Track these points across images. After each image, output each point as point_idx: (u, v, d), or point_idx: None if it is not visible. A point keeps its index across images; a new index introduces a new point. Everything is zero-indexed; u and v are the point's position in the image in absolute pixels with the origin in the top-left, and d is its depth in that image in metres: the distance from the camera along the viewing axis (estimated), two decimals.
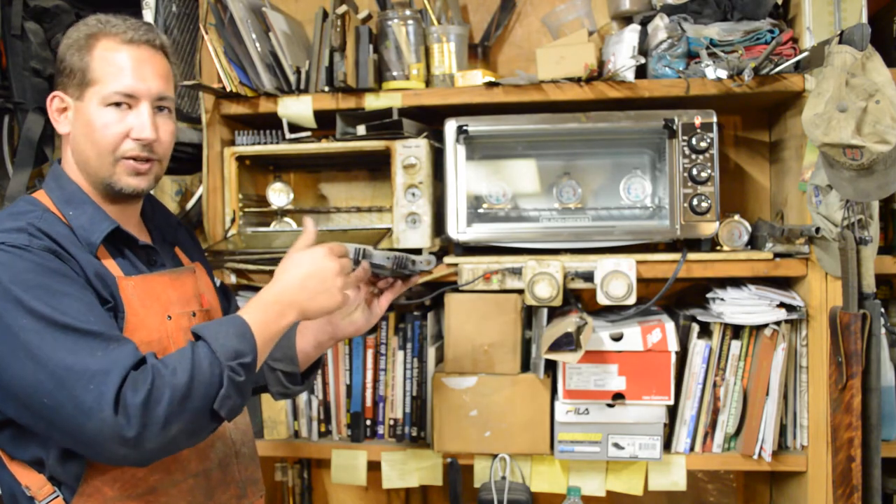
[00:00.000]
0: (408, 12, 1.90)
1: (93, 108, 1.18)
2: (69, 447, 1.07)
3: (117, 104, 1.18)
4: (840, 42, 1.50)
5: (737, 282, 1.80)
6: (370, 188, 2.04)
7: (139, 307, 1.17)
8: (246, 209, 1.93)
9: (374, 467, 1.88)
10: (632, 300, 1.70)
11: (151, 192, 1.36)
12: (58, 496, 1.10)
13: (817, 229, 1.61)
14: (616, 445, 1.75)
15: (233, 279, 1.87)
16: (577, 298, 1.89)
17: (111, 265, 1.19)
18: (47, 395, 1.00)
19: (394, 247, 1.79)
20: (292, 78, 1.85)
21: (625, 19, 1.90)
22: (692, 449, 1.79)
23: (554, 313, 1.82)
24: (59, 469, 1.11)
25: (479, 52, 2.07)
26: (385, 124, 1.80)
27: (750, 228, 1.78)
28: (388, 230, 1.80)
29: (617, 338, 1.72)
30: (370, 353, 1.88)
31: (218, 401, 1.05)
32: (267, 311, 1.14)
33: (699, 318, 1.78)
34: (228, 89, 1.82)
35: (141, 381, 1.00)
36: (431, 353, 1.86)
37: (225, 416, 1.07)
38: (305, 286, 1.17)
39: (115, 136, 1.18)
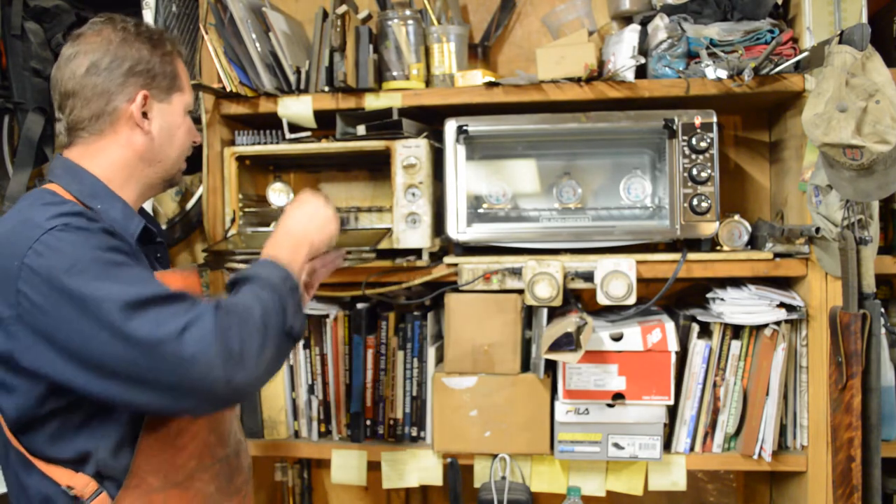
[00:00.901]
0: (408, 12, 1.90)
1: (181, 112, 1.30)
2: (166, 409, 1.08)
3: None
4: (840, 42, 1.50)
5: (737, 282, 1.80)
6: (370, 188, 2.04)
7: None
8: (246, 209, 1.93)
9: (373, 467, 1.88)
10: (632, 300, 1.70)
11: None
12: (102, 492, 1.12)
13: (817, 229, 1.61)
14: (616, 445, 1.75)
15: None
16: (578, 298, 1.89)
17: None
18: (144, 367, 1.02)
19: (394, 247, 1.79)
20: (292, 78, 1.85)
21: (625, 19, 1.90)
22: (692, 449, 1.79)
23: (554, 313, 1.82)
24: (111, 461, 1.12)
25: (479, 52, 2.07)
26: (385, 124, 1.80)
27: (750, 228, 1.78)
28: (388, 230, 1.80)
29: (617, 338, 1.72)
30: (370, 353, 1.88)
31: (289, 320, 1.14)
32: (286, 247, 1.26)
33: (699, 318, 1.78)
34: (228, 89, 1.82)
35: (227, 322, 1.05)
36: (431, 353, 1.86)
37: (297, 332, 1.17)
38: (312, 221, 1.33)
39: (191, 140, 1.34)
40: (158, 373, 1.02)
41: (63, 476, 1.11)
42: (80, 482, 1.11)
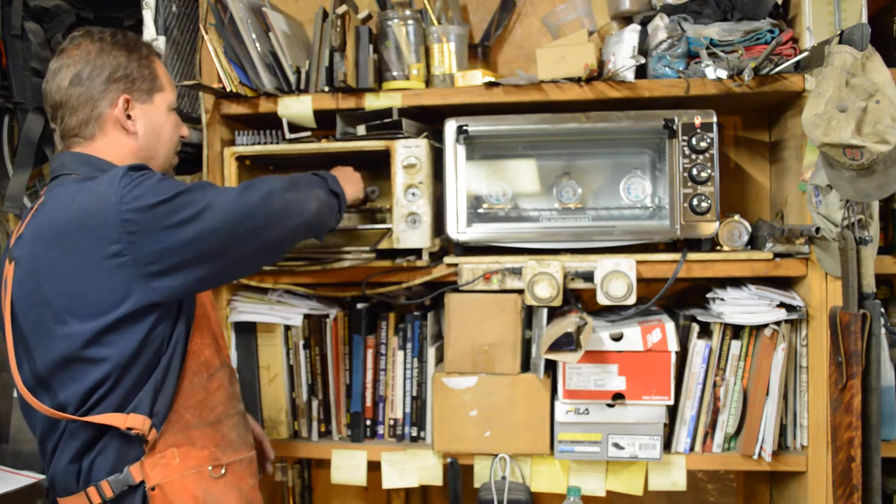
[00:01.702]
0: (408, 12, 1.90)
1: (164, 110, 1.39)
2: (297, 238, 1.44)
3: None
4: (840, 42, 1.50)
5: (737, 282, 1.80)
6: (370, 188, 2.03)
7: None
8: None
9: (374, 467, 1.88)
10: (632, 300, 1.71)
11: None
12: (153, 427, 1.26)
13: (817, 229, 1.61)
14: (616, 445, 1.75)
15: None
16: (578, 298, 1.89)
17: None
18: (261, 217, 1.30)
19: (394, 247, 1.79)
20: (292, 78, 1.85)
21: (625, 19, 1.90)
22: (692, 449, 1.79)
23: (554, 313, 1.82)
24: (160, 403, 1.26)
25: (479, 52, 2.07)
26: (385, 124, 1.80)
27: (750, 228, 1.78)
28: (388, 230, 1.80)
29: (617, 338, 1.72)
30: (370, 353, 1.88)
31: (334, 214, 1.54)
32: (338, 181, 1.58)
33: (699, 318, 1.78)
34: (228, 89, 1.82)
35: (285, 187, 1.37)
36: (431, 353, 1.86)
37: (321, 224, 1.50)
38: (349, 176, 1.71)
39: (179, 135, 1.44)
40: (263, 218, 1.30)
41: (118, 419, 1.23)
42: (137, 421, 1.23)
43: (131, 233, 1.18)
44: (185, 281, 1.24)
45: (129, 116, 1.33)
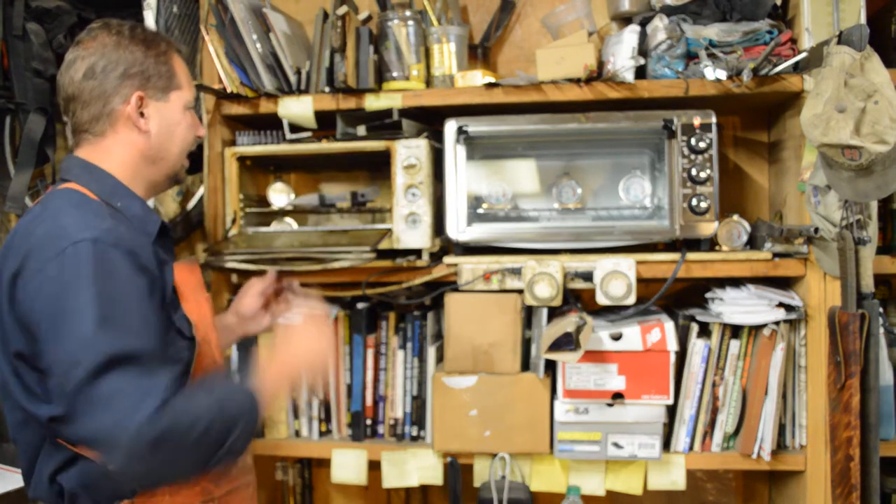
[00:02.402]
0: (408, 13, 1.90)
1: (179, 109, 1.34)
2: (66, 433, 1.16)
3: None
4: (839, 43, 1.51)
5: (736, 282, 1.80)
6: (370, 188, 2.04)
7: (188, 290, 1.29)
8: (247, 209, 1.94)
9: (374, 467, 1.88)
10: (631, 300, 1.71)
11: None
12: None
13: (816, 229, 1.62)
14: (615, 445, 1.75)
15: (234, 279, 1.88)
16: (577, 298, 1.89)
17: (159, 249, 1.29)
18: (76, 411, 1.08)
19: (394, 247, 1.79)
20: (293, 78, 1.85)
21: (624, 20, 1.90)
22: (691, 448, 1.80)
23: (554, 313, 1.83)
24: None
25: (479, 52, 2.07)
26: (385, 125, 1.81)
27: (749, 228, 1.79)
28: (388, 230, 1.80)
29: (616, 337, 1.73)
30: (370, 352, 1.89)
31: (219, 454, 1.13)
32: (274, 383, 1.27)
33: (698, 317, 1.78)
34: (229, 90, 1.82)
35: (159, 420, 1.06)
36: (431, 352, 1.87)
37: (213, 466, 1.14)
38: (308, 357, 1.34)
39: (193, 136, 1.38)
40: (82, 424, 1.08)
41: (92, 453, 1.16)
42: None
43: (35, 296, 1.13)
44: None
45: (142, 114, 1.29)
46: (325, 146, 1.84)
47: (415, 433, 1.89)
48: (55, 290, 1.11)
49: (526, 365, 1.80)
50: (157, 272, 1.21)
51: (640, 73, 1.77)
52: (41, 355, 1.13)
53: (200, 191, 2.03)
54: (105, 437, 1.06)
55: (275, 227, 1.98)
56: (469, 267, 1.78)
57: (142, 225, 1.27)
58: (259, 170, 2.03)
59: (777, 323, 1.72)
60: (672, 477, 1.78)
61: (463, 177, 1.81)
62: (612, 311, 1.87)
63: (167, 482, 1.19)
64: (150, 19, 1.89)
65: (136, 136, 1.29)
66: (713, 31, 1.73)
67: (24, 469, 1.27)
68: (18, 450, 1.27)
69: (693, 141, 1.74)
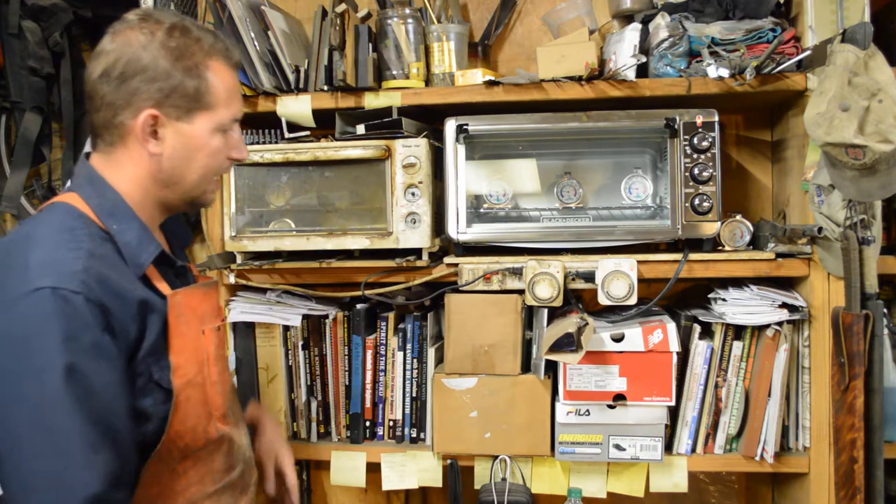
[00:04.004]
0: (407, 11, 1.89)
1: (205, 133, 1.16)
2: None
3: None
4: (842, 41, 1.50)
5: (739, 282, 1.79)
6: (369, 188, 2.02)
7: (182, 325, 1.16)
8: (246, 209, 1.92)
9: (373, 469, 1.87)
10: (633, 300, 1.70)
11: None
12: None
13: (819, 229, 1.60)
14: (617, 447, 1.74)
15: (231, 279, 1.87)
16: (578, 299, 1.88)
17: (157, 282, 1.16)
18: (24, 464, 0.99)
19: (394, 247, 1.78)
20: (291, 77, 1.84)
21: (626, 18, 1.89)
22: (694, 450, 1.78)
23: (555, 314, 1.81)
24: (113, 493, 1.05)
25: (480, 50, 2.06)
26: (384, 123, 1.79)
27: (752, 228, 1.77)
28: (388, 231, 1.79)
29: (618, 338, 1.71)
30: (370, 353, 1.87)
31: None
32: None
33: (701, 318, 1.77)
34: None
35: None
36: (431, 353, 1.85)
37: None
38: None
39: (224, 160, 1.21)
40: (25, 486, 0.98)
41: None
42: None
43: None
44: None
45: (155, 133, 1.14)
46: (325, 146, 1.82)
47: (414, 435, 1.88)
48: (6, 361, 0.98)
49: (527, 366, 1.79)
50: (133, 327, 1.08)
51: (642, 71, 1.76)
52: None
53: None
54: None
55: (273, 227, 1.96)
56: (469, 267, 1.77)
57: (133, 256, 1.13)
58: (257, 167, 2.01)
59: (780, 324, 1.70)
60: (674, 479, 1.77)
61: (463, 176, 1.80)
62: (614, 312, 1.86)
63: None
64: None
65: (145, 155, 1.15)
66: (716, 29, 1.72)
67: None
68: None
69: (695, 140, 1.72)
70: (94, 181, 1.16)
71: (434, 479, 1.84)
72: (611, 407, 1.73)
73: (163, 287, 1.17)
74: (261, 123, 1.89)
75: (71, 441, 0.99)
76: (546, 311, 1.74)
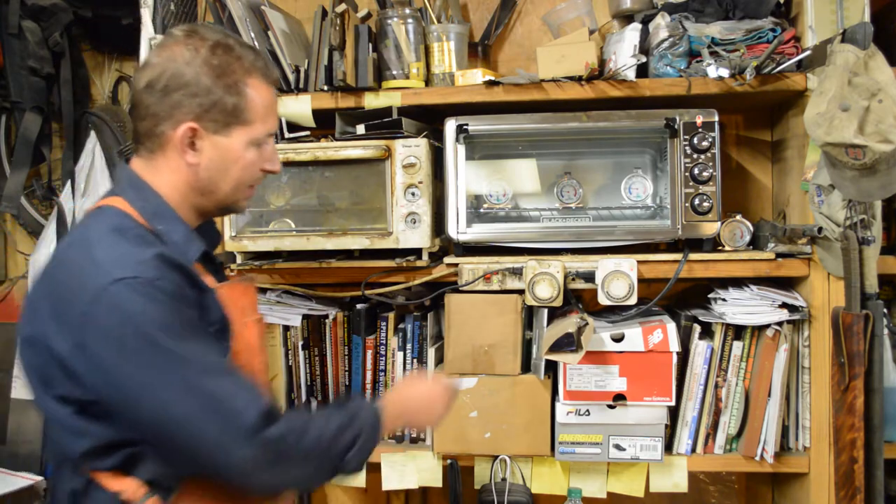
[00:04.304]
0: (407, 11, 1.89)
1: (241, 147, 1.22)
2: (202, 467, 1.12)
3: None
4: (842, 41, 1.50)
5: (739, 282, 1.79)
6: (369, 188, 2.02)
7: (235, 316, 1.23)
8: (246, 209, 1.92)
9: (373, 469, 1.87)
10: (633, 300, 1.70)
11: None
12: (151, 497, 1.12)
13: (819, 229, 1.60)
14: (617, 447, 1.74)
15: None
16: (578, 299, 1.88)
17: (204, 276, 1.22)
18: (196, 425, 1.06)
19: (394, 247, 1.78)
20: (291, 77, 1.84)
21: (626, 18, 1.89)
22: (694, 450, 1.78)
23: (555, 314, 1.81)
24: (163, 468, 1.13)
25: (480, 50, 2.06)
26: (384, 123, 1.79)
27: (752, 228, 1.77)
28: (388, 231, 1.79)
29: (618, 338, 1.71)
30: (370, 353, 1.87)
31: (348, 457, 1.17)
32: (395, 415, 1.31)
33: (701, 318, 1.77)
34: None
35: (283, 423, 1.10)
36: (431, 353, 1.85)
37: (349, 469, 1.20)
38: (429, 412, 1.38)
39: (257, 172, 1.26)
40: (210, 437, 1.06)
41: (112, 481, 1.11)
42: (130, 487, 1.11)
43: (84, 348, 1.06)
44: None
45: (193, 144, 1.18)
46: (324, 146, 1.82)
47: (414, 435, 1.88)
48: (112, 344, 1.05)
49: (527, 366, 1.79)
50: (200, 303, 1.16)
51: (642, 71, 1.76)
52: (127, 413, 1.08)
53: None
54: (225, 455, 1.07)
55: (273, 226, 1.96)
56: (469, 267, 1.76)
57: (181, 253, 1.18)
58: None
59: (780, 324, 1.70)
60: (674, 479, 1.77)
61: (463, 176, 1.80)
62: (614, 312, 1.86)
63: (288, 487, 1.20)
64: (147, 17, 1.87)
65: (183, 165, 1.20)
66: (716, 29, 1.72)
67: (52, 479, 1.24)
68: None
69: (695, 140, 1.72)
70: (137, 185, 1.21)
71: (434, 479, 1.84)
72: (611, 407, 1.73)
73: (209, 281, 1.22)
74: None
75: (220, 397, 1.07)
76: (546, 311, 1.74)
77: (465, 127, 1.78)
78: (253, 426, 1.07)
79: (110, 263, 1.07)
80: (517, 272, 1.74)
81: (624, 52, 1.72)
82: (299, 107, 1.83)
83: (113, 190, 1.24)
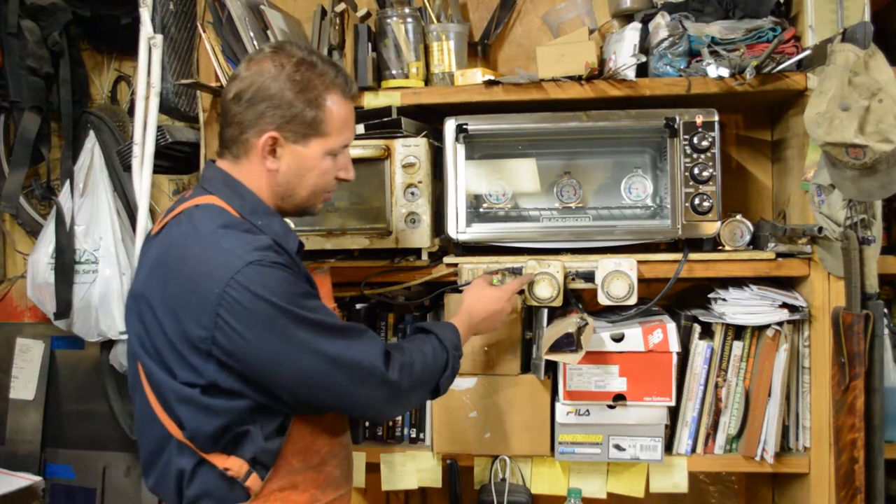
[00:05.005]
0: (407, 10, 1.89)
1: (317, 156, 1.31)
2: (341, 412, 1.33)
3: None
4: (843, 40, 1.49)
5: (739, 282, 1.79)
6: (369, 187, 2.02)
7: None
8: None
9: (372, 469, 1.87)
10: (633, 300, 1.69)
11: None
12: (253, 473, 1.24)
13: (820, 229, 1.60)
14: (617, 447, 1.73)
15: None
16: (578, 299, 1.87)
17: None
18: (330, 381, 1.21)
19: (393, 247, 1.78)
20: None
21: (626, 17, 1.89)
22: (694, 450, 1.78)
23: (554, 314, 1.81)
24: (266, 446, 1.24)
25: (479, 50, 2.06)
26: (384, 123, 1.79)
27: (752, 228, 1.77)
28: (388, 231, 1.78)
29: (618, 338, 1.71)
30: None
31: (442, 379, 1.37)
32: (466, 326, 1.49)
33: (701, 318, 1.76)
34: None
35: (396, 362, 1.27)
36: None
37: (443, 389, 1.39)
38: (490, 320, 1.56)
39: (332, 180, 1.36)
40: (345, 387, 1.22)
41: (219, 459, 1.23)
42: (235, 464, 1.23)
43: (224, 325, 1.16)
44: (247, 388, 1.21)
45: (273, 152, 1.28)
46: None
47: (414, 435, 1.87)
48: (254, 319, 1.15)
49: (526, 366, 1.79)
50: (311, 284, 1.28)
51: (642, 70, 1.75)
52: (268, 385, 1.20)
53: None
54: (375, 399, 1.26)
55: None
56: (469, 267, 1.76)
57: (283, 242, 1.27)
58: None
59: (780, 323, 1.70)
60: (674, 479, 1.77)
61: (463, 176, 1.80)
62: (614, 312, 1.85)
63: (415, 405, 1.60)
64: (146, 16, 1.87)
65: (264, 170, 1.30)
66: (715, 29, 1.71)
67: (145, 461, 1.32)
68: (140, 444, 1.33)
69: (695, 139, 1.72)
70: (231, 184, 1.30)
71: (433, 479, 1.84)
72: (611, 407, 1.73)
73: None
74: None
75: (353, 353, 1.22)
76: (546, 311, 1.74)
77: (464, 126, 1.77)
78: (381, 373, 1.23)
79: (238, 250, 1.18)
80: (517, 272, 1.74)
81: (624, 52, 1.72)
82: None
83: (204, 188, 1.31)
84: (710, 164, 1.72)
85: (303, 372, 1.19)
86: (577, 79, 1.74)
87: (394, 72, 1.88)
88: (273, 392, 1.21)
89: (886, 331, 1.59)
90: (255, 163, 1.29)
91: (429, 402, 1.84)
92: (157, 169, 1.92)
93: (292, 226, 1.94)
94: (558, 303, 1.71)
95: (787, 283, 1.80)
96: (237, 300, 1.14)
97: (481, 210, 1.90)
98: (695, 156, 1.73)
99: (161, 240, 1.28)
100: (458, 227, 1.80)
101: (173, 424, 1.23)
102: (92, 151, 2.22)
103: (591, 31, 1.87)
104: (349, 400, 1.24)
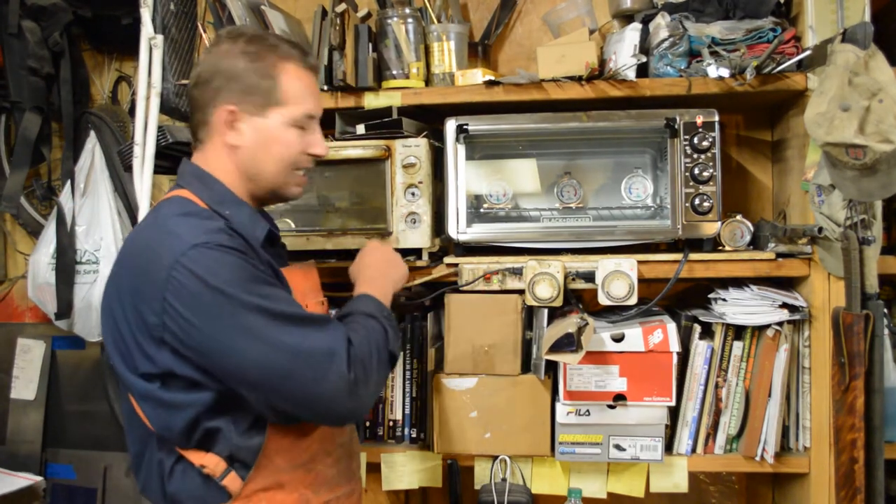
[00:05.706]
0: (407, 11, 1.89)
1: (278, 126, 1.28)
2: (298, 414, 1.22)
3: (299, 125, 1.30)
4: (843, 40, 1.49)
5: (739, 282, 1.79)
6: (369, 187, 2.02)
7: (300, 297, 1.31)
8: None
9: (373, 469, 1.87)
10: (633, 300, 1.69)
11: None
12: (231, 471, 1.22)
13: (820, 229, 1.60)
14: (617, 447, 1.74)
15: None
16: (578, 299, 1.88)
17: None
18: (286, 374, 1.14)
19: (394, 247, 1.77)
20: None
21: (626, 18, 1.89)
22: (694, 450, 1.78)
23: (555, 314, 1.81)
24: (242, 443, 1.21)
25: (480, 50, 2.06)
26: (384, 123, 1.79)
27: (752, 228, 1.77)
28: (388, 231, 1.78)
29: (618, 338, 1.71)
30: None
31: (390, 344, 1.28)
32: (374, 286, 1.40)
33: (701, 318, 1.77)
34: None
35: (356, 353, 1.19)
36: (431, 353, 1.85)
37: (397, 354, 1.32)
38: (388, 264, 1.49)
39: (297, 153, 1.31)
40: (295, 382, 1.14)
41: (195, 456, 1.20)
42: (211, 461, 1.20)
43: (171, 310, 1.13)
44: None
45: (233, 125, 1.26)
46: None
47: (414, 435, 1.87)
48: (199, 304, 1.12)
49: (527, 366, 1.79)
50: (273, 276, 1.23)
51: (642, 71, 1.75)
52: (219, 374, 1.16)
53: None
54: (323, 400, 1.16)
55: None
56: (469, 267, 1.76)
57: (249, 232, 1.26)
58: None
59: (780, 324, 1.70)
60: (674, 479, 1.77)
61: (463, 176, 1.80)
62: (614, 312, 1.85)
63: (381, 388, 1.35)
64: (146, 17, 1.86)
65: (226, 149, 1.28)
66: (716, 29, 1.72)
67: (134, 463, 1.31)
68: (129, 445, 1.31)
69: (696, 140, 1.72)
70: (200, 176, 1.29)
71: (434, 479, 1.84)
72: (611, 407, 1.73)
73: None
74: None
75: (309, 342, 1.16)
76: (546, 311, 1.74)
77: (465, 127, 1.77)
78: (344, 367, 1.15)
79: (185, 234, 1.16)
80: (517, 272, 1.74)
81: (624, 52, 1.72)
82: None
83: (178, 183, 1.30)
84: (711, 164, 1.72)
85: (255, 361, 1.13)
86: (578, 79, 1.74)
87: (394, 72, 1.88)
88: (230, 385, 1.17)
89: (886, 331, 1.59)
90: (217, 143, 1.28)
91: (429, 402, 1.84)
92: (158, 169, 1.92)
93: (292, 225, 1.95)
94: (558, 303, 1.71)
95: (788, 284, 1.80)
96: (182, 283, 1.11)
97: (482, 210, 1.90)
98: (695, 156, 1.73)
99: (128, 236, 1.30)
100: (459, 228, 1.80)
101: (148, 421, 1.22)
102: (93, 152, 2.22)
103: (591, 32, 1.87)
104: (311, 394, 1.16)
